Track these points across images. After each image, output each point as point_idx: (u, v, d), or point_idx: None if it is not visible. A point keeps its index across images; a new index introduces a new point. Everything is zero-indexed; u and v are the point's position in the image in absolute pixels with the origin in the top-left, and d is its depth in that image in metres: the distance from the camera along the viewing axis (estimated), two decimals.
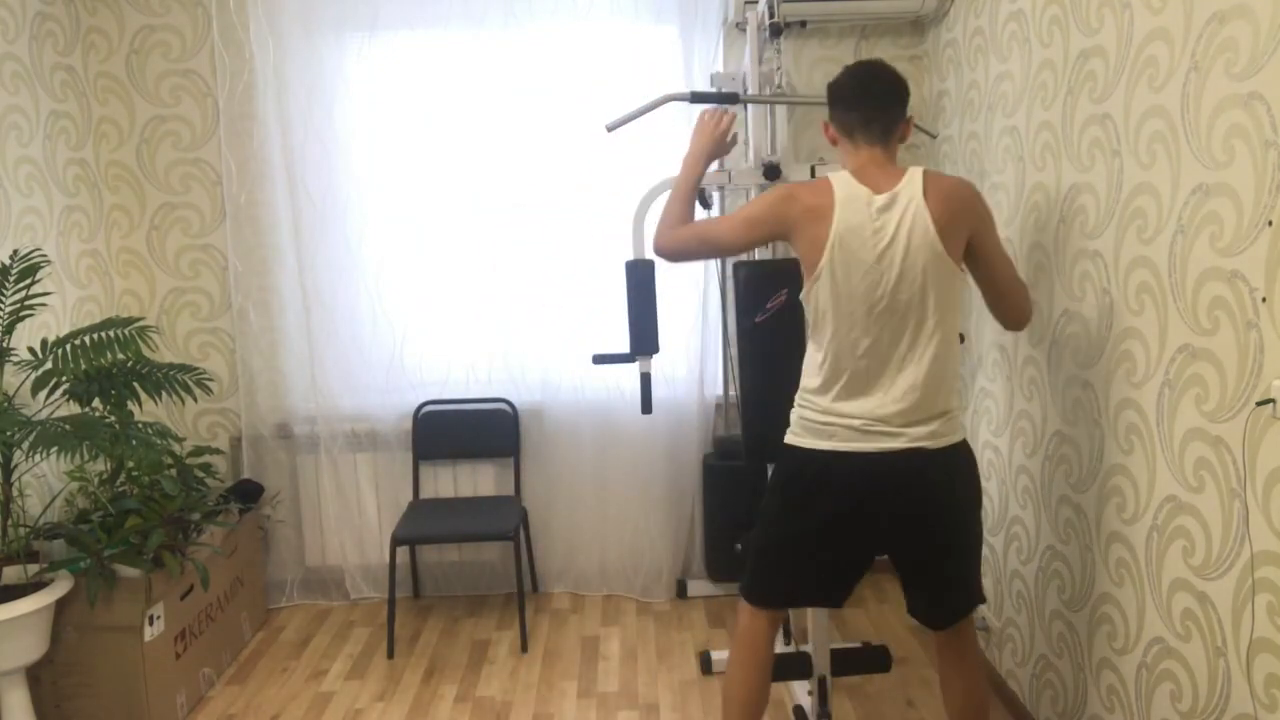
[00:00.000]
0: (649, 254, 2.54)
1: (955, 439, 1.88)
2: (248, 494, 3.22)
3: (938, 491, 1.88)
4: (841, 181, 1.84)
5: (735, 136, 2.25)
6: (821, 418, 1.90)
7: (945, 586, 1.96)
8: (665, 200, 2.12)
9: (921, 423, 1.85)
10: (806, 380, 1.96)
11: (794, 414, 1.98)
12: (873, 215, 1.80)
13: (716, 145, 2.18)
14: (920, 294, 1.81)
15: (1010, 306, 1.97)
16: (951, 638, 2.02)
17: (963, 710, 2.04)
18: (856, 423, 1.86)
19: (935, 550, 1.92)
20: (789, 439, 1.98)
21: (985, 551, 2.75)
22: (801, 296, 1.93)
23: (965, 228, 1.84)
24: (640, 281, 2.52)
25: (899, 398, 1.84)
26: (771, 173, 2.61)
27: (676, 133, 3.13)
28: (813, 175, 2.64)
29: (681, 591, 3.40)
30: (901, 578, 2.01)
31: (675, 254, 2.04)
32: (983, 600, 1.99)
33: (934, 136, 2.25)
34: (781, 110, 2.79)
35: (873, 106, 1.87)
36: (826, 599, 2.01)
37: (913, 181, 1.81)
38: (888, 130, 1.88)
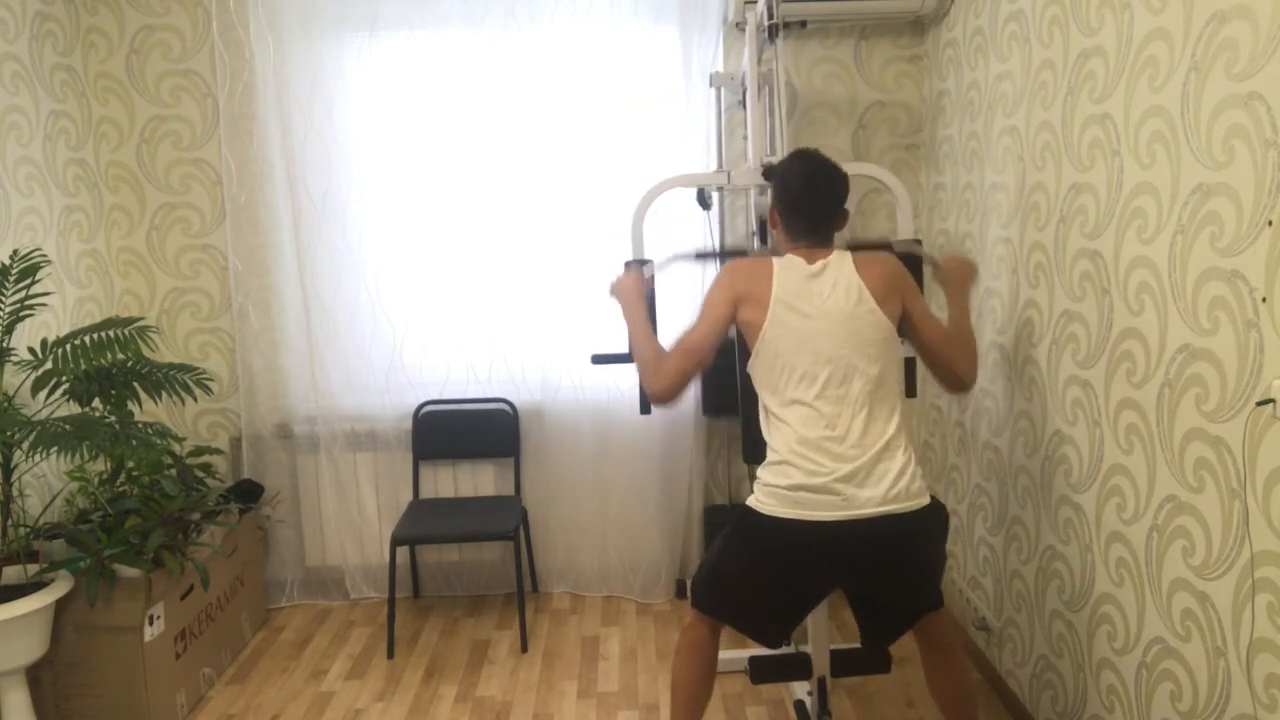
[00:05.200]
0: (649, 254, 2.55)
1: (922, 502, 1.89)
2: (248, 494, 3.22)
3: (908, 551, 1.91)
4: (780, 258, 2.01)
5: (650, 273, 2.38)
6: (781, 480, 1.90)
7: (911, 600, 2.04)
8: (634, 349, 2.09)
9: (875, 482, 1.86)
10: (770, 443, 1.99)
11: (759, 482, 1.97)
12: (808, 278, 1.96)
13: (639, 291, 2.22)
14: (859, 352, 1.91)
15: (948, 365, 2.05)
16: (933, 626, 2.07)
17: (954, 701, 2.08)
18: (817, 481, 1.86)
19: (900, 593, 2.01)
20: (759, 504, 1.95)
21: (985, 552, 2.76)
22: (749, 367, 1.99)
23: (898, 295, 2.00)
24: None
25: (854, 448, 1.88)
26: (770, 173, 2.61)
27: (677, 133, 3.14)
28: None
29: (681, 591, 3.40)
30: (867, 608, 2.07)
31: (673, 389, 1.98)
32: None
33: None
34: (782, 111, 2.79)
35: (823, 208, 2.02)
36: (765, 637, 2.04)
37: (843, 256, 1.99)
38: (831, 227, 2.05)
